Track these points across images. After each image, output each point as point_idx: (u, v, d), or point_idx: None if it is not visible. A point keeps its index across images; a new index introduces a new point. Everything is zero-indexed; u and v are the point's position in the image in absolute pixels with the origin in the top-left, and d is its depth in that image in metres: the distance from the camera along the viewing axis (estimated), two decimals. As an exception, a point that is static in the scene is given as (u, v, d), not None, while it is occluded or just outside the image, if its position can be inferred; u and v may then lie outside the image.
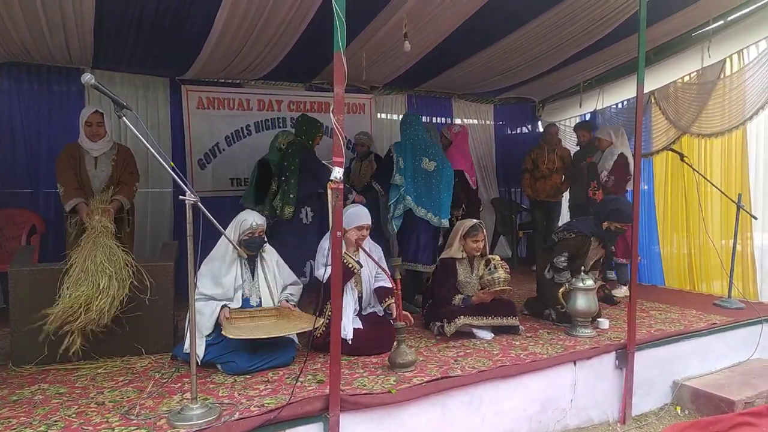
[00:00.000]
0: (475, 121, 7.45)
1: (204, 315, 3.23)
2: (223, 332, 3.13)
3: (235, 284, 3.38)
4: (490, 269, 3.95)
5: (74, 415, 2.51)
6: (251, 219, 3.41)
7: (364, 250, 3.64)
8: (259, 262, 3.51)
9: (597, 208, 4.49)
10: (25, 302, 3.24)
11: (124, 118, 2.36)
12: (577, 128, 6.35)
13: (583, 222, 4.45)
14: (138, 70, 5.34)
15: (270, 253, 3.58)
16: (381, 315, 3.76)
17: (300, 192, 4.66)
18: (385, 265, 3.67)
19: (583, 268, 4.16)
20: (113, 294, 3.23)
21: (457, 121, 7.25)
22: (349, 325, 3.46)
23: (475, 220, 4.15)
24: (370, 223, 3.69)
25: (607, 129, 5.79)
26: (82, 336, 3.18)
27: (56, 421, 2.45)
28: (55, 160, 4.00)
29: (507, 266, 4.02)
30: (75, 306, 3.13)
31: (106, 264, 3.28)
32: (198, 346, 3.08)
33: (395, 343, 3.23)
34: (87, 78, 2.30)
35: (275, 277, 3.55)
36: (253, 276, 3.48)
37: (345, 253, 3.39)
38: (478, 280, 4.05)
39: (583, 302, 3.91)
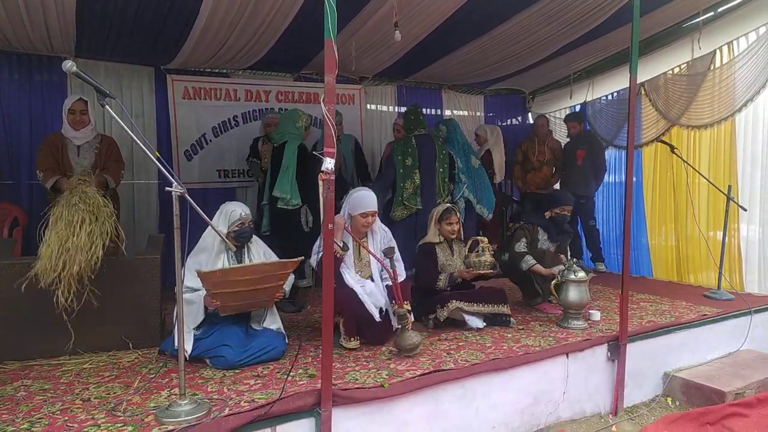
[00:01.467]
0: (465, 113, 7.40)
1: (192, 306, 3.17)
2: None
3: None
4: (477, 251, 3.93)
5: (59, 412, 2.45)
6: (239, 209, 3.34)
7: (361, 242, 3.60)
8: (246, 253, 3.43)
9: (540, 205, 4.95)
10: (6, 296, 3.15)
11: (107, 106, 2.29)
12: (568, 120, 6.35)
13: (534, 215, 4.66)
14: (122, 59, 5.22)
15: (256, 244, 3.50)
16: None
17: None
18: (396, 252, 3.62)
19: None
20: (93, 229, 3.16)
21: (447, 112, 7.20)
22: (371, 307, 3.46)
23: (448, 204, 4.18)
24: (375, 209, 3.61)
25: (485, 127, 6.54)
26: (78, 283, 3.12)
27: (40, 418, 2.38)
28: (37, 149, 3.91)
29: (493, 250, 4.01)
30: (57, 252, 3.05)
31: (81, 204, 3.22)
32: (186, 341, 3.02)
33: (399, 329, 3.26)
34: (68, 66, 2.22)
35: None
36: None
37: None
38: (462, 261, 4.04)
39: (575, 294, 3.90)
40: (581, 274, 3.93)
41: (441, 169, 4.85)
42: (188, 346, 3.07)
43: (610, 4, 4.50)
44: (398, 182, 4.73)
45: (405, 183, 4.70)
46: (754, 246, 5.27)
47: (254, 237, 3.50)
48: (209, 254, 3.28)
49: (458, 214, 4.11)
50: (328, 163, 2.41)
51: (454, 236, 4.09)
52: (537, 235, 4.43)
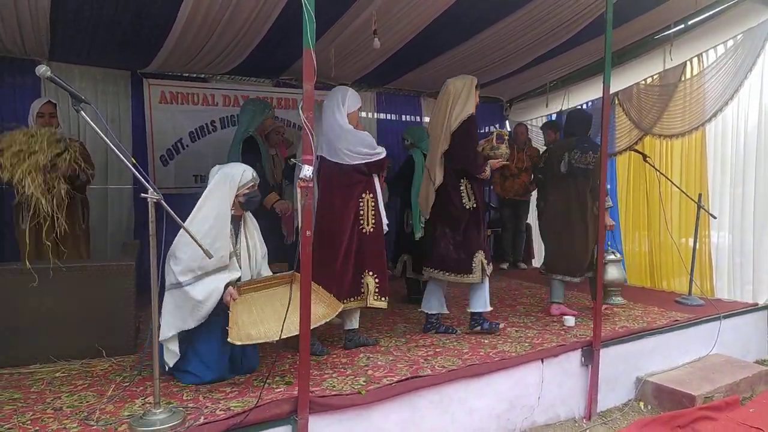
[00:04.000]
0: (444, 120, 7.45)
1: (204, 301, 2.82)
2: (229, 338, 2.74)
3: (230, 248, 2.97)
4: (491, 144, 3.99)
5: (29, 422, 2.40)
6: (250, 171, 3.06)
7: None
8: (243, 226, 3.14)
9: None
10: None
11: (82, 112, 2.27)
12: (545, 128, 6.44)
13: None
14: (97, 62, 5.13)
15: (251, 218, 3.23)
16: None
17: None
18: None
19: None
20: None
21: (426, 119, 7.24)
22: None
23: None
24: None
25: None
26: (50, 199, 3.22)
27: (10, 428, 2.33)
28: None
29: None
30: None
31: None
32: (169, 352, 2.92)
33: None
34: (42, 70, 2.20)
35: (256, 245, 3.20)
36: (236, 241, 3.11)
37: None
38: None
39: (614, 272, 4.22)
40: (618, 255, 4.53)
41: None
42: (170, 359, 2.90)
43: (583, 17, 4.60)
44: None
45: None
46: (724, 253, 5.41)
47: None
48: (216, 221, 2.93)
49: None
50: (307, 171, 2.42)
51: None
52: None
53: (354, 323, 3.58)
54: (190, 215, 2.92)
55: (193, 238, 2.46)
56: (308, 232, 2.41)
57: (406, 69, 5.92)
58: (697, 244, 5.17)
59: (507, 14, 4.60)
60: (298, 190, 2.47)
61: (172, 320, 2.88)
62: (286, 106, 6.18)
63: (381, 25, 4.33)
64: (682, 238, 5.60)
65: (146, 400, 2.65)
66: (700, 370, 4.14)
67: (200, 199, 2.98)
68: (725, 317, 4.55)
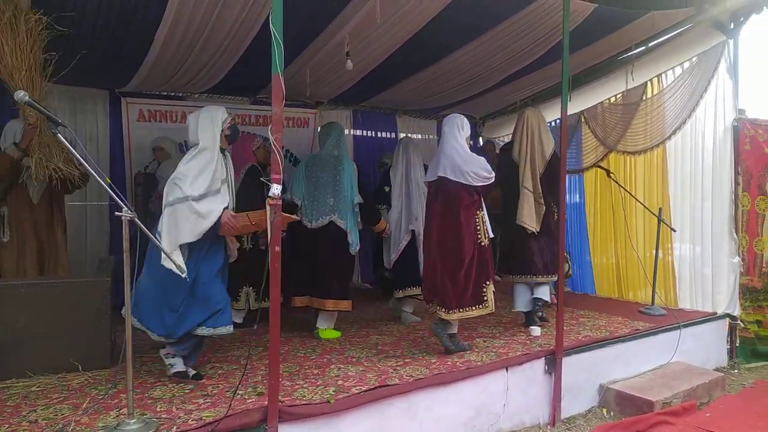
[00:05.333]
0: (419, 136, 7.65)
1: (206, 216, 3.07)
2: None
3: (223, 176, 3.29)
4: None
5: (4, 435, 2.47)
6: (223, 109, 3.46)
7: None
8: (225, 159, 3.41)
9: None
10: None
11: (59, 135, 2.38)
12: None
13: None
14: (76, 82, 5.21)
15: (228, 154, 3.50)
16: None
17: None
18: None
19: None
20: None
21: (402, 135, 7.43)
22: None
23: None
24: None
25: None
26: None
27: (-15, 441, 2.41)
28: None
29: None
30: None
31: None
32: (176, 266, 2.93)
33: None
34: (21, 95, 2.30)
35: (233, 178, 3.50)
36: (225, 172, 3.37)
37: None
38: None
39: None
40: None
41: None
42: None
43: (544, 42, 4.82)
44: None
45: None
46: (686, 264, 5.62)
47: None
48: (212, 152, 3.24)
49: None
50: (275, 189, 2.56)
51: None
52: None
53: (455, 328, 3.92)
54: (190, 155, 3.25)
55: (163, 251, 2.56)
56: (277, 248, 2.54)
57: (380, 88, 6.10)
58: (660, 257, 5.39)
59: (469, 41, 4.82)
60: (268, 207, 2.59)
61: (172, 237, 3.05)
62: (264, 123, 6.31)
63: (353, 47, 4.50)
64: (647, 251, 5.81)
65: (120, 411, 2.73)
66: (661, 377, 4.32)
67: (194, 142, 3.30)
68: (685, 326, 4.75)
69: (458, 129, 3.96)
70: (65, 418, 2.67)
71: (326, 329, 4.38)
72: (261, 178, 3.89)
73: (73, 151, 2.33)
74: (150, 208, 4.96)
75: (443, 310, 3.78)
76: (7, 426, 2.56)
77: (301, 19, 3.97)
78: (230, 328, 3.21)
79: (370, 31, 4.42)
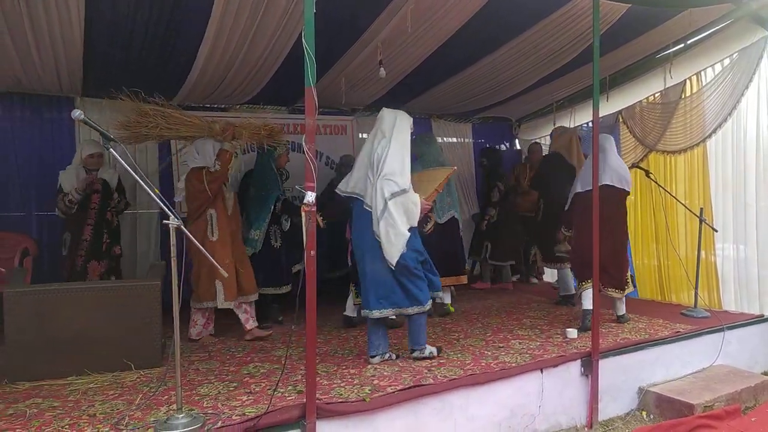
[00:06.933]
0: (455, 140, 7.71)
1: (417, 205, 3.69)
2: None
3: None
4: None
5: (67, 427, 2.69)
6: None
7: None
8: None
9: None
10: (19, 322, 3.41)
11: (112, 149, 2.58)
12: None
13: None
14: (125, 97, 5.54)
15: None
16: None
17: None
18: None
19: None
20: None
21: (438, 139, 7.50)
22: None
23: None
24: None
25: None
26: None
27: (50, 432, 2.62)
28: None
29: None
30: None
31: None
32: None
33: None
34: (77, 114, 2.49)
35: None
36: None
37: None
38: None
39: None
40: None
41: None
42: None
43: (577, 45, 4.82)
44: None
45: None
46: (730, 265, 5.49)
47: None
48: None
49: None
50: (310, 197, 2.69)
51: None
52: None
53: (624, 306, 4.92)
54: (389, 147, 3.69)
55: (212, 260, 2.73)
56: (312, 252, 2.66)
57: (413, 94, 6.19)
58: (703, 257, 5.27)
59: (501, 45, 4.88)
60: (304, 214, 2.71)
61: (404, 222, 3.59)
62: (303, 131, 6.37)
63: (386, 55, 4.63)
64: (688, 252, 5.69)
65: (170, 407, 2.92)
66: (702, 381, 4.24)
67: (398, 146, 3.70)
68: (729, 328, 4.64)
69: (615, 146, 4.98)
70: (120, 412, 2.87)
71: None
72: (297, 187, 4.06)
73: (125, 164, 2.52)
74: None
75: (617, 291, 4.74)
76: (68, 419, 2.78)
77: (335, 31, 4.12)
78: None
79: (402, 39, 4.53)
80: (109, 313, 3.57)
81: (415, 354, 3.77)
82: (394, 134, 3.70)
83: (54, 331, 3.45)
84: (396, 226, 3.52)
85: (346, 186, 3.84)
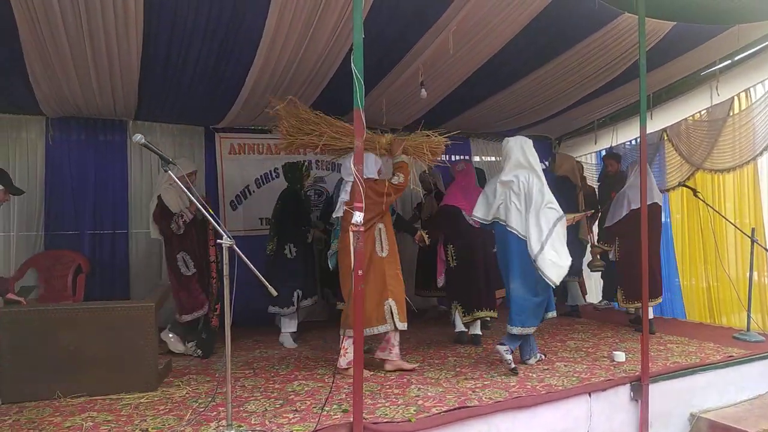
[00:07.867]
0: (493, 158, 7.68)
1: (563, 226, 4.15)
2: None
3: None
4: None
5: (122, 440, 2.76)
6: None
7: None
8: None
9: None
10: (13, 341, 3.43)
11: (169, 171, 2.68)
12: (607, 158, 6.41)
13: None
14: (176, 120, 5.77)
15: None
16: None
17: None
18: None
19: None
20: None
21: (476, 158, 7.50)
22: None
23: None
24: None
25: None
26: None
27: (106, 445, 2.70)
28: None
29: None
30: None
31: None
32: None
33: None
34: (138, 138, 2.62)
35: None
36: None
37: None
38: None
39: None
40: None
41: None
42: None
43: (619, 64, 4.78)
44: None
45: None
46: (785, 287, 5.28)
47: None
48: None
49: None
50: (358, 217, 2.73)
51: None
52: None
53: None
54: (539, 181, 4.07)
55: (261, 280, 2.79)
56: (360, 272, 2.69)
57: (452, 114, 6.22)
58: (755, 279, 5.09)
59: (542, 65, 4.88)
60: (352, 234, 2.76)
61: (564, 244, 4.06)
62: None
63: (427, 76, 4.68)
64: (741, 273, 5.51)
65: (220, 423, 2.96)
66: (759, 408, 4.07)
67: (540, 172, 4.11)
68: (786, 353, 4.45)
69: None
70: (171, 428, 2.94)
71: None
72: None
73: (182, 185, 2.62)
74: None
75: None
76: (123, 433, 2.87)
77: (378, 53, 4.20)
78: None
79: (443, 61, 4.58)
80: (103, 335, 3.53)
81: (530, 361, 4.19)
82: (531, 161, 4.12)
83: (48, 351, 3.44)
84: (560, 250, 3.93)
85: (487, 215, 4.20)
